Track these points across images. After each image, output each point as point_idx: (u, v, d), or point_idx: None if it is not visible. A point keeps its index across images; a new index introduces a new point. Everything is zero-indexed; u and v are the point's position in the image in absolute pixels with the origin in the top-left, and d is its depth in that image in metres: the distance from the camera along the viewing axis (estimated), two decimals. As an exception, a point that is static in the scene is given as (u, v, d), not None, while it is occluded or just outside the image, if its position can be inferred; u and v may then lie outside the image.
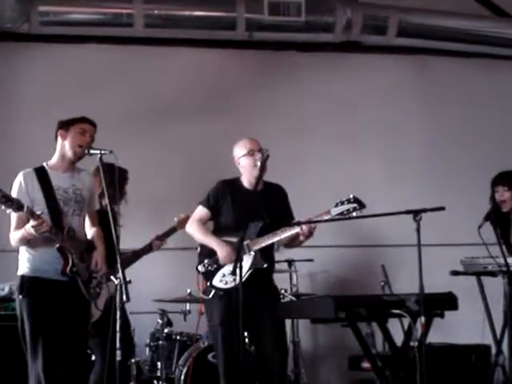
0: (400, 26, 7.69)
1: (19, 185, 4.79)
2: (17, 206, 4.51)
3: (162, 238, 6.40)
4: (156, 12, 7.40)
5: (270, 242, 5.22)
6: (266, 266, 5.25)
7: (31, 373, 4.73)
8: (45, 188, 4.76)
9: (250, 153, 5.32)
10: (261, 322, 5.19)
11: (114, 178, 5.69)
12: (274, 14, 7.45)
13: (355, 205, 5.13)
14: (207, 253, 5.33)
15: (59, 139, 4.92)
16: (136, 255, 6.25)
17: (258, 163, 5.25)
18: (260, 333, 5.23)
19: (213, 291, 5.23)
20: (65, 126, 4.93)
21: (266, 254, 5.31)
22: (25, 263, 4.79)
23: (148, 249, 6.35)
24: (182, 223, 6.21)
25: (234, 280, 4.92)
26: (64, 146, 4.90)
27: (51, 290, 4.74)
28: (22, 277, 4.78)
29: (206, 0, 7.56)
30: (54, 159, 4.95)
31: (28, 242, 4.72)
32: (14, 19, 7.10)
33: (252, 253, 5.20)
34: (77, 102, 7.28)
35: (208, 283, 5.28)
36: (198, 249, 5.41)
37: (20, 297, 4.76)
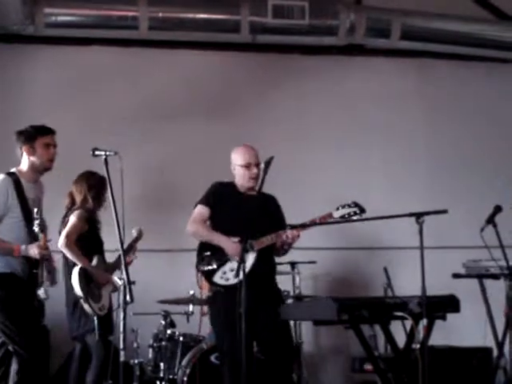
0: (403, 30, 7.70)
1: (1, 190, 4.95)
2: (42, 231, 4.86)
3: (128, 251, 6.12)
4: (160, 15, 7.41)
5: (271, 241, 5.27)
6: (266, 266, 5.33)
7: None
8: (20, 197, 4.94)
9: (247, 165, 5.40)
10: (263, 324, 5.20)
11: (96, 184, 5.82)
12: (277, 17, 7.47)
13: (355, 209, 5.31)
14: (206, 252, 5.36)
15: (25, 154, 5.08)
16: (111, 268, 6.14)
17: (251, 181, 5.36)
18: (263, 334, 5.24)
19: (213, 289, 5.32)
20: (28, 141, 5.07)
21: (267, 253, 5.36)
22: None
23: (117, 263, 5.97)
24: (141, 234, 6.36)
25: (236, 277, 4.97)
26: (32, 160, 5.07)
27: (23, 286, 4.95)
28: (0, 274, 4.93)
29: (210, 3, 7.58)
30: (23, 168, 5.10)
31: (9, 254, 4.90)
32: (19, 21, 7.12)
33: (255, 251, 5.23)
34: (81, 104, 7.33)
35: (209, 281, 5.34)
36: (197, 248, 5.43)
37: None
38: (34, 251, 4.84)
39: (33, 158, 5.06)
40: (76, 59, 7.59)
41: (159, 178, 7.46)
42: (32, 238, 4.92)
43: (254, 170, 5.37)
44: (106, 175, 4.84)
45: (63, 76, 7.52)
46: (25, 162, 5.09)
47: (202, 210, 5.46)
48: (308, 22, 7.49)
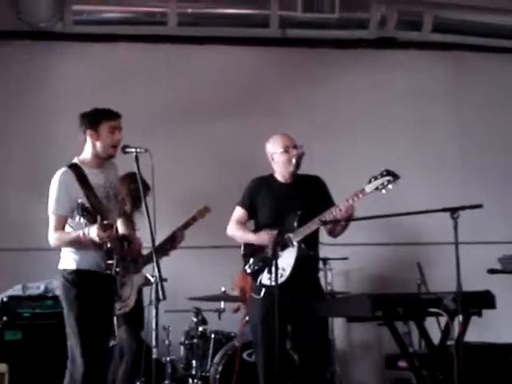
0: (435, 22, 7.62)
1: (59, 186, 4.74)
2: (93, 218, 4.56)
3: (182, 228, 6.21)
4: (189, 10, 7.41)
5: (310, 230, 5.09)
6: (312, 253, 5.15)
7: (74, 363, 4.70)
8: (84, 187, 4.72)
9: (286, 149, 5.24)
10: (304, 319, 5.10)
11: (137, 189, 5.68)
12: (307, 11, 7.43)
13: (389, 177, 5.02)
14: (250, 253, 5.25)
15: (89, 139, 4.85)
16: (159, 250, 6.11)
17: (294, 160, 5.17)
18: (302, 330, 5.14)
19: (263, 290, 5.13)
20: (93, 125, 4.84)
21: (311, 244, 5.18)
22: (75, 257, 4.76)
23: (170, 240, 6.10)
24: (201, 213, 6.25)
25: (282, 276, 4.94)
26: (96, 145, 4.84)
27: (100, 283, 4.77)
28: (78, 270, 4.74)
29: (239, -2, 7.57)
30: (87, 155, 4.88)
31: (78, 244, 4.70)
32: (48, 18, 7.17)
33: (295, 244, 5.10)
34: (109, 100, 7.21)
35: (257, 282, 5.18)
36: (242, 250, 5.33)
37: (75, 290, 4.71)
38: (93, 233, 4.57)
39: (96, 143, 4.82)
40: (105, 56, 7.61)
41: (189, 174, 7.44)
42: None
43: (294, 152, 5.20)
44: (137, 172, 4.81)
45: (92, 73, 7.53)
46: (88, 149, 4.86)
47: (238, 212, 5.40)
48: (338, 15, 7.44)
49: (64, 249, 4.82)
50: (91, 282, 4.75)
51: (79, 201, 4.57)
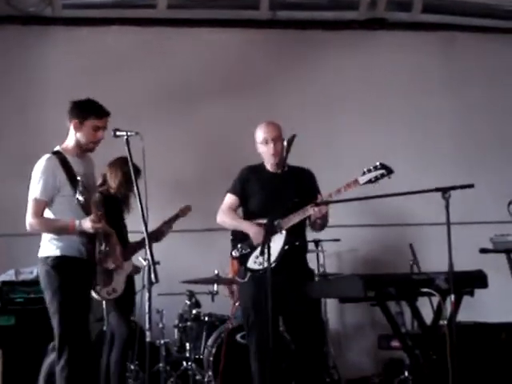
0: (425, 2, 7.63)
1: (46, 172, 4.75)
2: (89, 196, 4.68)
3: (167, 224, 6.25)
4: (179, -8, 7.40)
5: (298, 218, 5.12)
6: (298, 243, 5.19)
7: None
8: (69, 174, 4.75)
9: (265, 142, 5.27)
10: (294, 304, 5.12)
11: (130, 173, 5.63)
12: (297, -8, 7.44)
13: (383, 171, 5.05)
14: (240, 238, 5.28)
15: (72, 128, 4.88)
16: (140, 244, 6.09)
17: (272, 157, 5.21)
18: (294, 314, 5.17)
19: (249, 274, 5.19)
20: (79, 117, 4.86)
21: (298, 232, 5.24)
22: (58, 244, 4.77)
23: (156, 234, 6.08)
24: (185, 211, 6.31)
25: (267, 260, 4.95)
26: (77, 137, 4.88)
27: (82, 268, 4.79)
28: (63, 256, 4.75)
29: (229, -21, 7.55)
30: (69, 144, 4.91)
31: (63, 233, 4.73)
32: (36, 3, 7.15)
33: (283, 231, 5.13)
34: (100, 85, 7.28)
35: (243, 266, 5.22)
36: (231, 235, 5.36)
37: (60, 277, 4.71)
38: (87, 225, 4.64)
39: (78, 135, 4.85)
40: (95, 40, 7.58)
41: (182, 159, 7.43)
42: (85, 212, 4.71)
43: (271, 145, 5.23)
44: (128, 155, 4.81)
45: (82, 57, 7.50)
46: (71, 137, 4.89)
47: (229, 199, 5.41)
48: (328, -4, 7.44)
49: (45, 236, 4.84)
50: (74, 269, 4.75)
51: (78, 178, 4.63)
